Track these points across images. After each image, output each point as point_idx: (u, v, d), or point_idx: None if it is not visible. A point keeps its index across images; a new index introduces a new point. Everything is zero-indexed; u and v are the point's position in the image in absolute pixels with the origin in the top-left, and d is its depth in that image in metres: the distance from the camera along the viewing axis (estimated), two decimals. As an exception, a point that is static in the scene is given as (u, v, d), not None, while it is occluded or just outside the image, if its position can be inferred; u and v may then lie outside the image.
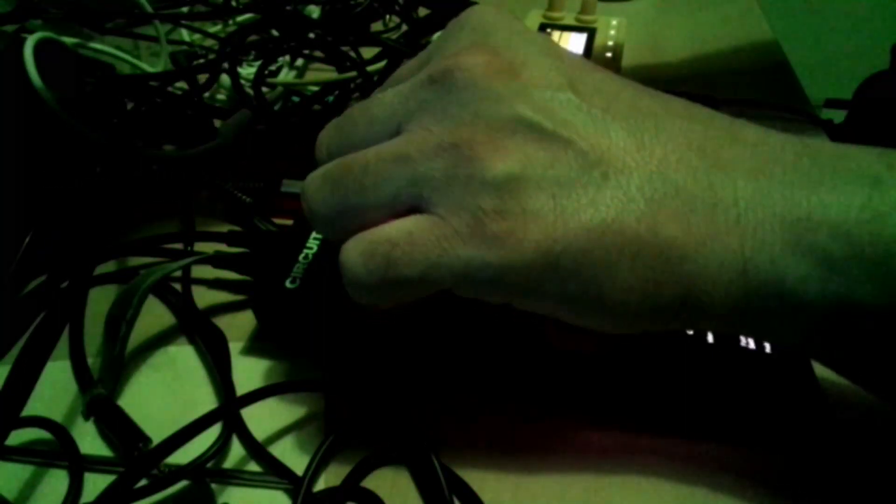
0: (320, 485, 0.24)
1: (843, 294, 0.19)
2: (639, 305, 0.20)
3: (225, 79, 0.44)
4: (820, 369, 0.25)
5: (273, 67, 0.46)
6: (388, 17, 0.54)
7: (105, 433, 0.26)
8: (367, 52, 0.46)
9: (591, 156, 0.20)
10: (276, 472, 0.24)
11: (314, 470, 0.24)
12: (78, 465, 0.24)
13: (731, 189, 0.20)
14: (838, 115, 0.67)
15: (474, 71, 0.21)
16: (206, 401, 0.27)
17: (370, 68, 0.45)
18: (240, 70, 0.43)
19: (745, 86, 0.44)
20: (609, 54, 0.47)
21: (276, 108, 0.43)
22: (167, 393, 0.27)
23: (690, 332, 0.25)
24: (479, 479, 0.24)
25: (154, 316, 0.30)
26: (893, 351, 0.20)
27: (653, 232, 0.20)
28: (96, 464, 0.25)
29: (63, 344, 0.29)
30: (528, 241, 0.20)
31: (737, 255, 0.19)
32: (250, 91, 0.41)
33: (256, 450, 0.25)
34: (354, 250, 0.21)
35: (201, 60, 0.48)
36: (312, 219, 0.23)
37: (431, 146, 0.21)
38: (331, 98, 0.44)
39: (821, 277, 0.19)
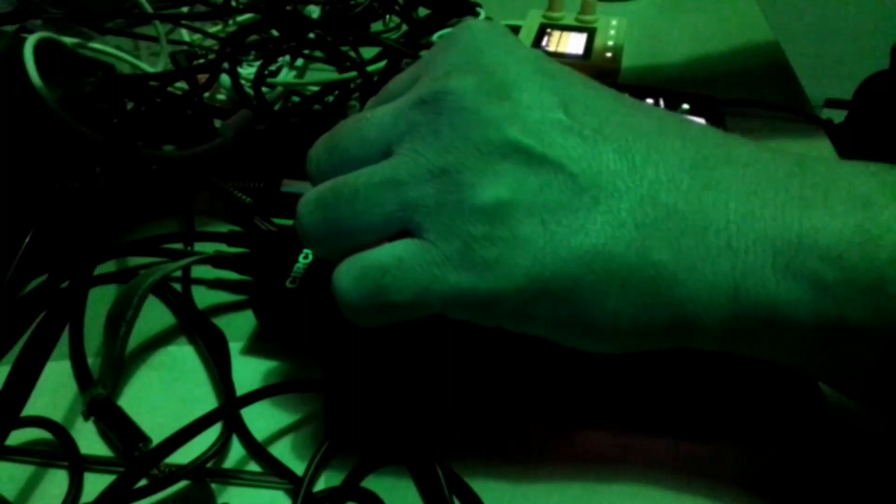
0: (320, 485, 0.24)
1: (836, 318, 0.19)
2: (629, 329, 0.20)
3: (225, 79, 0.44)
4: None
5: (273, 67, 0.46)
6: (388, 17, 0.54)
7: (105, 433, 0.26)
8: (367, 52, 0.46)
9: (581, 179, 0.20)
10: (276, 472, 0.24)
11: (314, 470, 0.24)
12: (78, 465, 0.24)
13: (723, 211, 0.20)
14: (838, 116, 0.67)
15: (464, 93, 0.21)
16: (206, 401, 0.27)
17: (370, 68, 0.45)
18: (240, 70, 0.43)
19: (745, 86, 0.44)
20: (609, 54, 0.47)
21: (276, 108, 0.43)
22: (167, 393, 0.27)
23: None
24: (479, 480, 0.24)
25: (154, 316, 0.30)
26: (889, 371, 0.20)
27: (643, 257, 0.20)
28: (96, 464, 0.25)
29: (63, 344, 0.29)
30: (518, 267, 0.20)
31: (727, 279, 0.19)
32: (250, 91, 0.41)
33: (256, 450, 0.25)
34: (346, 275, 0.21)
35: (201, 60, 0.48)
36: (306, 242, 0.23)
37: (422, 171, 0.21)
38: (331, 98, 0.44)
39: (812, 301, 0.19)
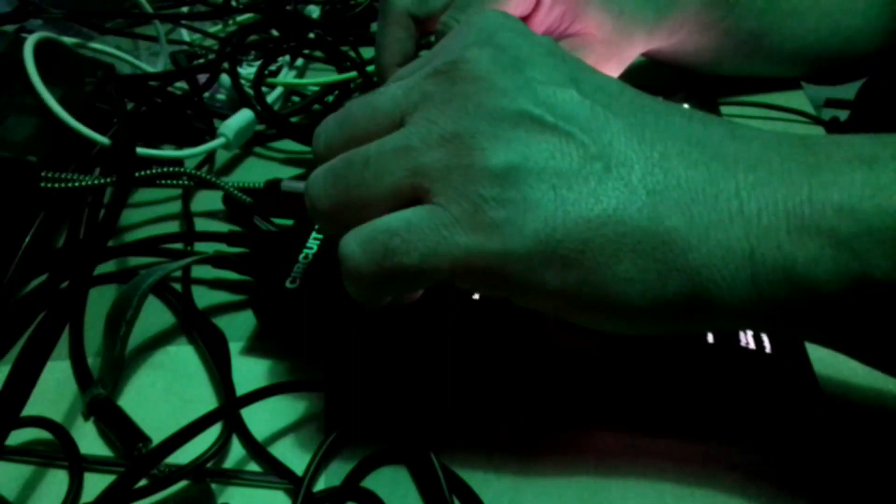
0: (320, 485, 0.24)
1: (858, 272, 0.19)
2: (641, 299, 0.20)
3: (225, 79, 0.44)
4: (820, 369, 0.25)
5: (273, 67, 0.46)
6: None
7: (105, 433, 0.26)
8: (367, 52, 0.46)
9: (592, 148, 0.20)
10: (276, 472, 0.24)
11: (314, 470, 0.24)
12: (78, 465, 0.24)
13: (733, 180, 0.20)
14: (844, 115, 0.66)
15: (479, 64, 0.21)
16: (206, 401, 0.27)
17: (370, 68, 0.45)
18: (240, 70, 0.43)
19: (745, 86, 0.44)
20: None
21: (276, 108, 0.43)
22: (167, 393, 0.27)
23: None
24: (479, 479, 0.24)
25: (154, 316, 0.30)
26: None
27: (655, 222, 0.20)
28: (96, 464, 0.25)
29: (63, 344, 0.29)
30: (528, 229, 0.20)
31: (742, 243, 0.19)
32: (250, 91, 0.41)
33: (256, 450, 0.25)
34: (353, 240, 0.21)
35: (201, 60, 0.48)
36: (314, 214, 0.23)
37: (434, 137, 0.21)
38: (331, 98, 0.44)
39: (832, 258, 0.19)
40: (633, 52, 0.38)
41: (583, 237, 0.20)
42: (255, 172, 0.40)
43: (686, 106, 0.39)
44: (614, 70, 0.37)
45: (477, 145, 0.20)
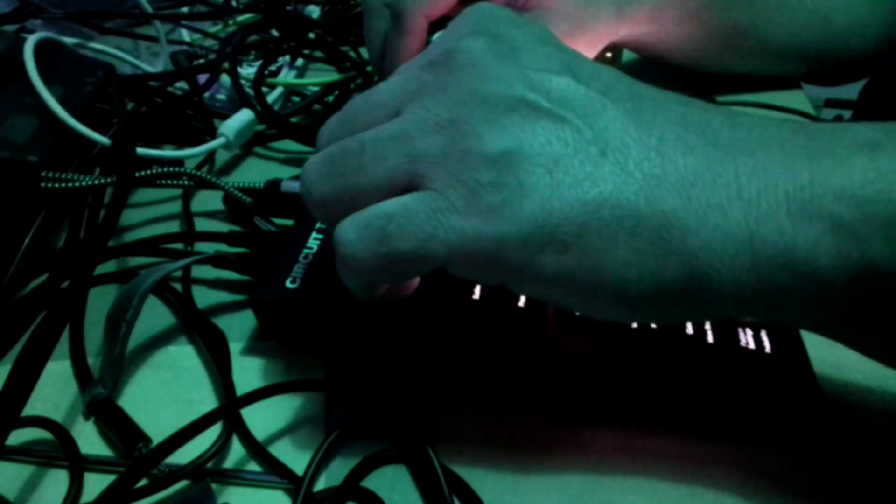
0: (320, 485, 0.24)
1: (860, 258, 0.19)
2: (639, 283, 0.20)
3: (225, 79, 0.44)
4: (820, 369, 0.25)
5: (273, 67, 0.46)
6: (388, 16, 0.54)
7: (105, 433, 0.26)
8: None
9: (587, 133, 0.20)
10: (276, 472, 0.24)
11: (314, 470, 0.24)
12: (78, 465, 0.24)
13: (731, 165, 0.20)
14: (842, 115, 0.67)
15: (473, 53, 0.22)
16: (206, 401, 0.27)
17: (370, 68, 0.45)
18: (240, 70, 0.43)
19: (744, 85, 0.44)
20: (609, 54, 0.46)
21: (276, 108, 0.43)
22: (167, 393, 0.27)
23: (690, 332, 0.25)
24: (478, 479, 0.24)
25: (154, 316, 0.30)
26: None
27: (652, 205, 0.19)
28: (96, 464, 0.25)
29: (63, 344, 0.29)
30: (524, 212, 0.20)
31: (741, 227, 0.19)
32: (250, 91, 0.41)
33: (256, 450, 0.25)
34: (349, 226, 0.21)
35: (201, 60, 0.48)
36: (309, 202, 0.23)
37: (429, 123, 0.21)
38: (331, 98, 0.44)
39: (833, 243, 0.19)
40: (602, 32, 0.37)
41: (579, 220, 0.19)
42: (255, 172, 0.40)
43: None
44: (586, 51, 0.37)
45: (473, 131, 0.20)
